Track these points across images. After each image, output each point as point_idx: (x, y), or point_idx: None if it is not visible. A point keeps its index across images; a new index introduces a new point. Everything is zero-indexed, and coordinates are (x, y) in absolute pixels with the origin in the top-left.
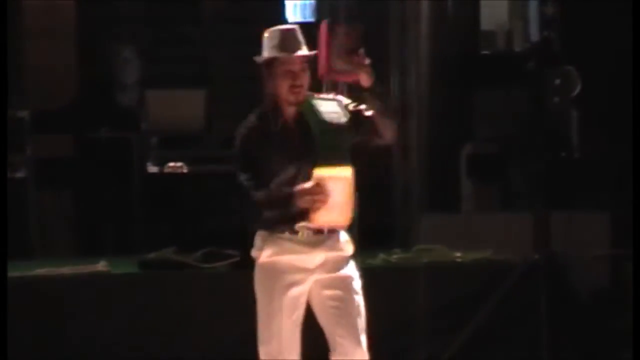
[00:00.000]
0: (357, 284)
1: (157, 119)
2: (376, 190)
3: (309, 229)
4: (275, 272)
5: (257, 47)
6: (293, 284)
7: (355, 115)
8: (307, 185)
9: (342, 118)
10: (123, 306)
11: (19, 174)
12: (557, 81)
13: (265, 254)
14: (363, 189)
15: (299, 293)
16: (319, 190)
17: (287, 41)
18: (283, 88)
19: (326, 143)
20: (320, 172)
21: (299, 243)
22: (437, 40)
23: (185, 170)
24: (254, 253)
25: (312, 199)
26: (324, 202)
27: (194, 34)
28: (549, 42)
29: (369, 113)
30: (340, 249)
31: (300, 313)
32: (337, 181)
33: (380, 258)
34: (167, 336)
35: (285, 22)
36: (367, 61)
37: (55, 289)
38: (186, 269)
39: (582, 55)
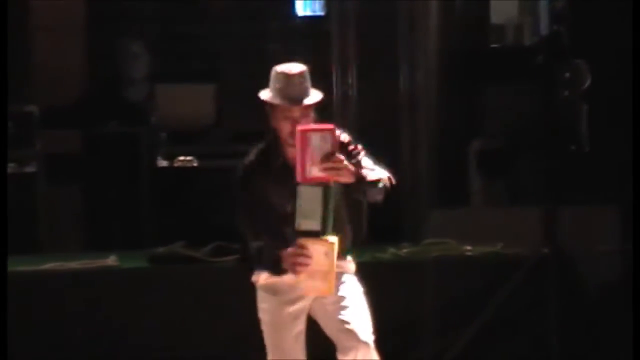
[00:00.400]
0: (359, 290)
1: (166, 113)
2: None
3: None
4: (274, 291)
5: (267, 41)
6: (292, 301)
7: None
8: (290, 250)
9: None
10: (132, 300)
11: (28, 169)
12: (567, 75)
13: (263, 277)
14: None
15: (298, 309)
16: (301, 255)
17: (290, 88)
18: (283, 131)
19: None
20: (304, 238)
21: None
22: (446, 35)
23: (194, 165)
24: (253, 278)
25: (293, 264)
26: (305, 267)
27: (203, 29)
28: (558, 36)
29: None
30: (340, 268)
31: (301, 328)
32: (320, 247)
33: (389, 252)
34: (176, 330)
35: (295, 17)
36: (343, 164)
37: (65, 284)
38: (195, 264)
39: (591, 48)
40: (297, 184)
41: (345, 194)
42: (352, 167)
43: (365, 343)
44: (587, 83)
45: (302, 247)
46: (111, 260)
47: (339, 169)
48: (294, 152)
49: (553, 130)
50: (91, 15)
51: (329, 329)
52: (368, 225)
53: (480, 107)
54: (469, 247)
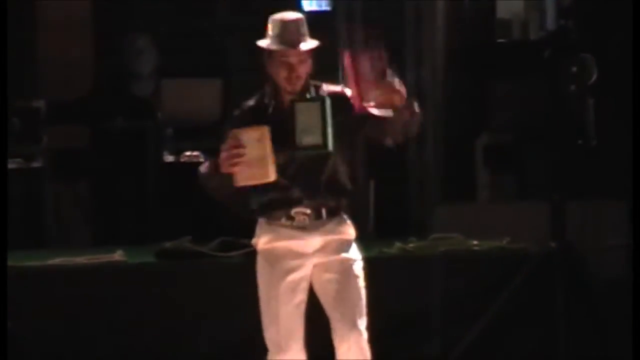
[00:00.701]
0: (358, 266)
1: (172, 108)
2: (392, 179)
3: (305, 214)
4: (273, 258)
5: None
6: (291, 270)
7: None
8: (223, 145)
9: (338, 114)
10: (139, 295)
11: (35, 165)
12: (574, 69)
13: (262, 241)
14: (379, 177)
15: (298, 278)
16: (234, 144)
17: (287, 33)
18: (281, 77)
19: None
20: (235, 130)
21: (296, 229)
22: (452, 29)
23: (201, 160)
24: (253, 241)
25: (229, 155)
26: (240, 155)
27: (209, 24)
28: (565, 30)
29: (377, 113)
30: (340, 233)
31: (301, 298)
32: (252, 134)
33: (396, 247)
34: (183, 325)
35: (300, 10)
36: (397, 82)
37: (72, 279)
38: (202, 259)
39: (598, 43)
40: (293, 101)
41: (340, 157)
42: (401, 91)
43: (358, 331)
44: (594, 78)
45: (234, 137)
46: (118, 255)
47: (392, 89)
48: (290, 99)
49: (560, 124)
50: (97, 10)
51: (326, 307)
52: (375, 219)
53: (487, 101)
54: (475, 242)
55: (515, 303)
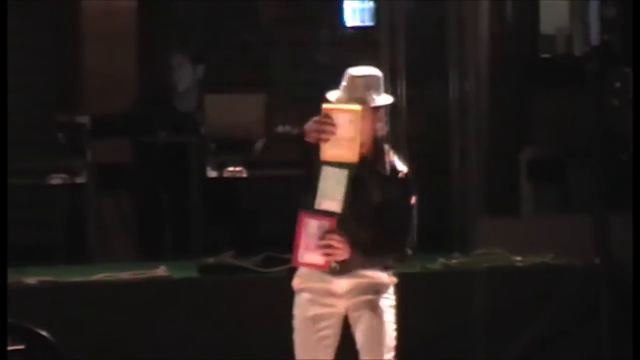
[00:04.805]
0: (389, 308)
1: (216, 123)
2: (435, 193)
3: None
4: (306, 298)
5: (316, 51)
6: (321, 304)
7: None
8: (314, 119)
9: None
10: (183, 310)
11: (79, 180)
12: (617, 84)
13: (297, 282)
14: (422, 191)
15: (327, 313)
16: (326, 122)
17: (352, 89)
18: None
19: None
20: (328, 106)
21: (330, 273)
22: (496, 44)
23: (244, 175)
24: (292, 282)
25: (318, 132)
26: (331, 134)
27: (253, 38)
28: (609, 44)
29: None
30: (372, 277)
31: (327, 333)
32: (345, 114)
33: (439, 262)
34: (227, 340)
35: (343, 25)
36: (338, 251)
37: (116, 294)
38: (245, 274)
39: None
40: (323, 162)
41: (386, 200)
42: (347, 248)
43: None
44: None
45: (327, 115)
46: (161, 270)
47: (335, 249)
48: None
49: (604, 138)
50: (142, 25)
51: (357, 345)
52: (418, 233)
53: (530, 115)
54: (519, 258)
55: (559, 319)
